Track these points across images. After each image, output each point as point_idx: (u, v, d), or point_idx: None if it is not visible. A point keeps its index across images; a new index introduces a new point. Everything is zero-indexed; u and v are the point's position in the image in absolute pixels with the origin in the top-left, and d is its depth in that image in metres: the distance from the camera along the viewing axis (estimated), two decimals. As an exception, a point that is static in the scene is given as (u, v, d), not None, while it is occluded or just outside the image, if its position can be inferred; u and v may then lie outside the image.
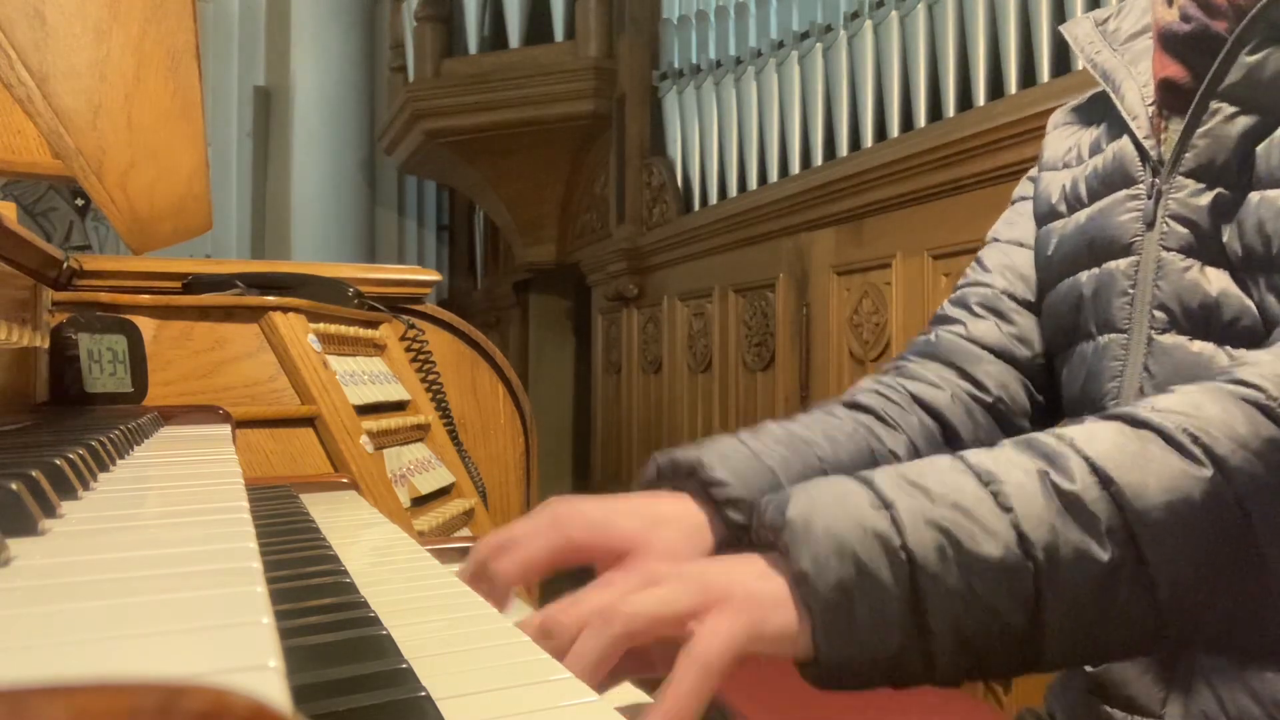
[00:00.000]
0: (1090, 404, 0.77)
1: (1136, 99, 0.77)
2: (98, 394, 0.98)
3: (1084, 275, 0.79)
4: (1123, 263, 0.76)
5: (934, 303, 2.10)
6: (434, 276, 1.63)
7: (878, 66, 2.45)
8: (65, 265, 1.08)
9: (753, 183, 2.90)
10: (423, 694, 0.32)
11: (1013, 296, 0.87)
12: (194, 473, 0.59)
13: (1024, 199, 0.92)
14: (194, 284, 1.30)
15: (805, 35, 2.71)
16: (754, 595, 0.49)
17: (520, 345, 4.62)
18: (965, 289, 0.90)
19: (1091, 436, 0.54)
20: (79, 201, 4.75)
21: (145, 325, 1.07)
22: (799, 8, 2.75)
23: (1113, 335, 0.76)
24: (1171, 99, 0.74)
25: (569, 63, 3.78)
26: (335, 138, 5.34)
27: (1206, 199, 0.69)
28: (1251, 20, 0.66)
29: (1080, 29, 0.87)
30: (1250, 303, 0.67)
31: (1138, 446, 0.53)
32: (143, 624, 0.25)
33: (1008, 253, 0.89)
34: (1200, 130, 0.70)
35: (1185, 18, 0.72)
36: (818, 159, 2.64)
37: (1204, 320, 0.69)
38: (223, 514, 0.42)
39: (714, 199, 3.06)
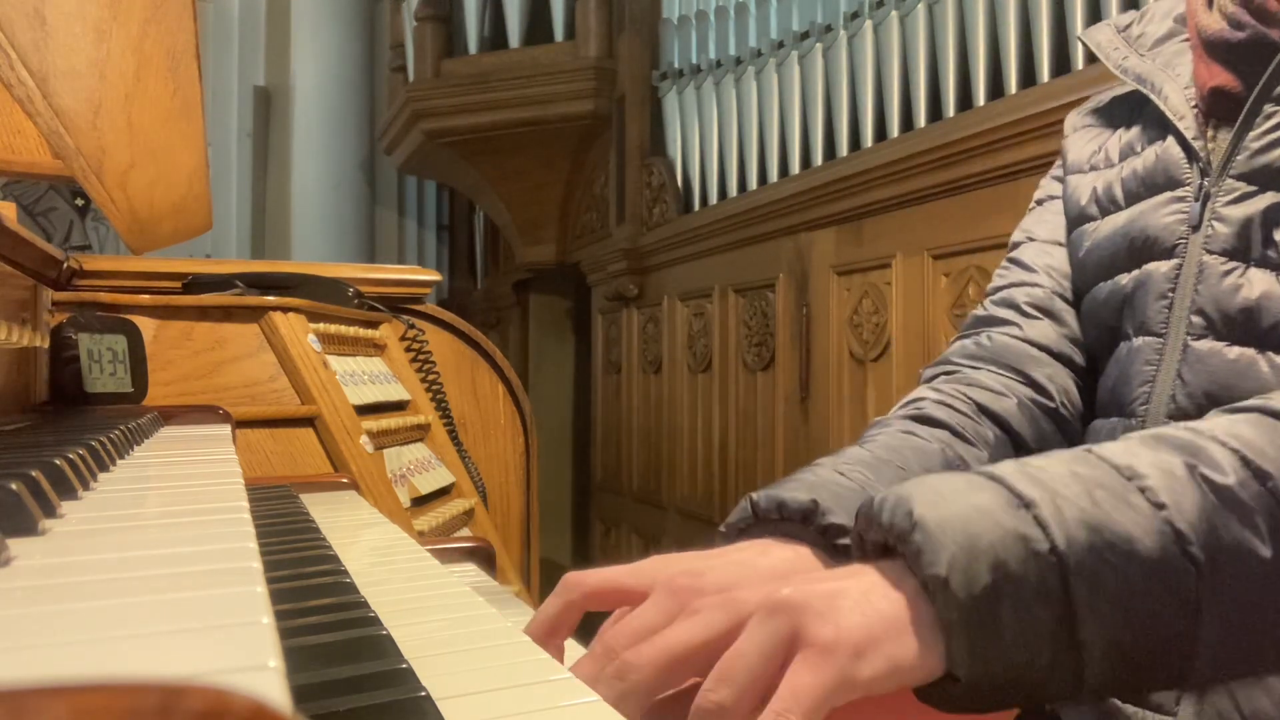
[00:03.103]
0: (1118, 407, 0.75)
1: (1181, 100, 0.75)
2: (98, 394, 0.98)
3: (1124, 278, 0.77)
4: (1164, 265, 0.74)
5: (934, 303, 2.10)
6: (434, 276, 1.63)
7: (878, 66, 2.45)
8: (65, 265, 1.08)
9: (753, 183, 2.90)
10: (423, 694, 0.32)
11: (1062, 297, 0.84)
12: (194, 473, 0.59)
13: (1053, 198, 0.89)
14: (194, 284, 1.30)
15: (805, 35, 2.71)
16: (844, 634, 0.43)
17: (520, 345, 4.62)
18: (1010, 289, 0.86)
19: (1233, 427, 0.50)
20: (79, 201, 4.75)
21: (145, 325, 1.07)
22: (799, 8, 2.74)
23: (1147, 338, 0.74)
24: (1220, 106, 0.72)
25: (569, 63, 3.78)
26: (335, 138, 5.34)
27: (1259, 203, 0.68)
28: None
29: (1102, 35, 0.85)
30: None
31: None
32: (143, 624, 0.25)
33: (1049, 252, 0.86)
34: (1253, 134, 0.69)
35: (1236, 24, 0.71)
36: (818, 159, 2.64)
37: (1244, 325, 0.67)
38: (223, 514, 0.42)
39: (714, 199, 3.06)
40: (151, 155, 0.84)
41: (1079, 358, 0.83)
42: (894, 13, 2.38)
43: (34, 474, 0.40)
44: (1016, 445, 0.77)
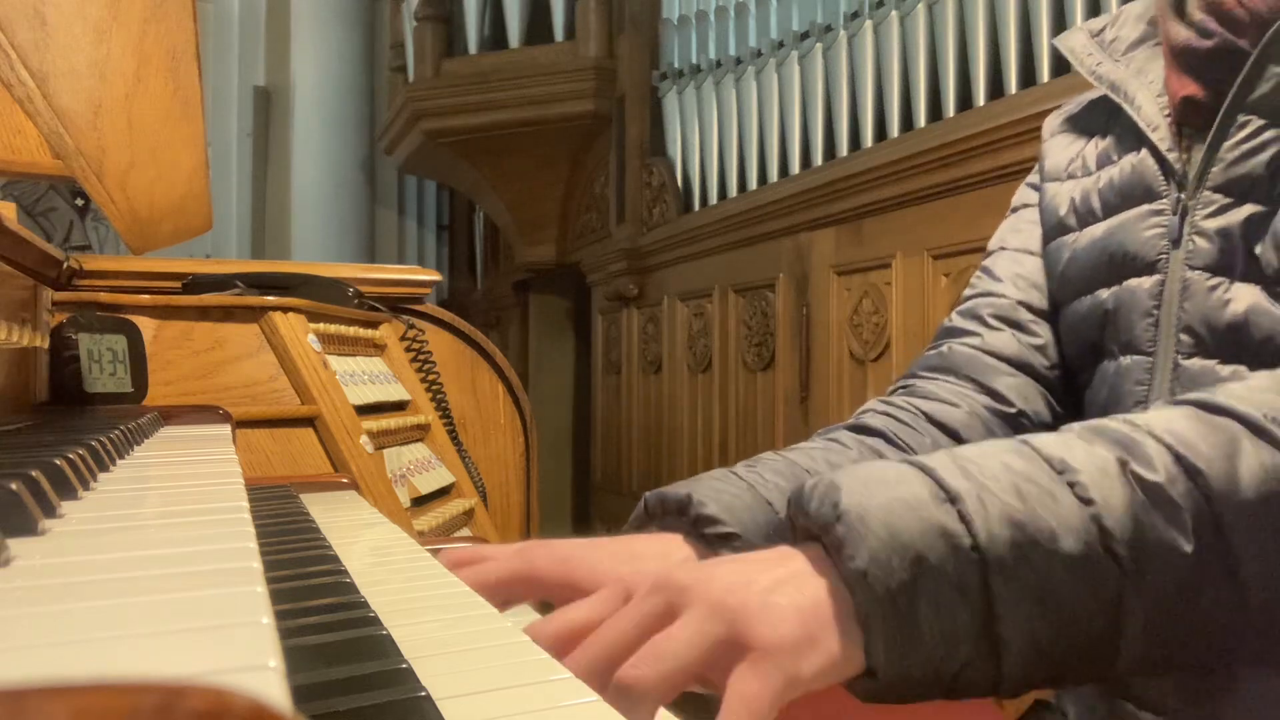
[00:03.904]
0: None
1: (1154, 110, 0.74)
2: (98, 394, 0.98)
3: (1105, 293, 0.76)
4: (1146, 281, 0.72)
5: (934, 303, 2.09)
6: (434, 276, 1.63)
7: (878, 66, 2.45)
8: (65, 265, 1.08)
9: (753, 183, 2.90)
10: (423, 694, 0.32)
11: (1028, 307, 0.83)
12: (194, 473, 0.59)
13: (1028, 206, 0.89)
14: (194, 284, 1.30)
15: (805, 35, 2.71)
16: (785, 636, 0.43)
17: (520, 345, 4.62)
18: (975, 300, 0.86)
19: (1169, 423, 0.49)
20: (79, 201, 4.75)
21: (145, 325, 1.07)
22: (799, 8, 2.74)
23: (1136, 357, 0.73)
24: (1193, 115, 0.71)
25: (569, 63, 3.78)
26: (335, 138, 5.34)
27: (1237, 215, 0.66)
28: (1278, 31, 0.64)
29: (1075, 40, 0.83)
30: None
31: (1223, 435, 0.48)
32: (143, 624, 0.25)
33: (1019, 260, 0.86)
34: (1228, 144, 0.67)
35: (1205, 33, 0.69)
36: (818, 159, 2.64)
37: (1233, 341, 0.66)
38: (223, 514, 0.42)
39: (714, 199, 3.06)
40: (151, 155, 0.84)
41: (1045, 367, 0.82)
42: (894, 13, 2.38)
43: (34, 474, 0.40)
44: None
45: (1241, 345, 0.66)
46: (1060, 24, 2.00)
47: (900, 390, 0.84)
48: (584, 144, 3.95)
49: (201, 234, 1.13)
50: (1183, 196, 0.70)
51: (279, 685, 0.20)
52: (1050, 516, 0.45)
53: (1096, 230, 0.77)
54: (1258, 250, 0.64)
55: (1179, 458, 0.47)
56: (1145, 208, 0.73)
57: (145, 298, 1.11)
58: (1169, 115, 0.73)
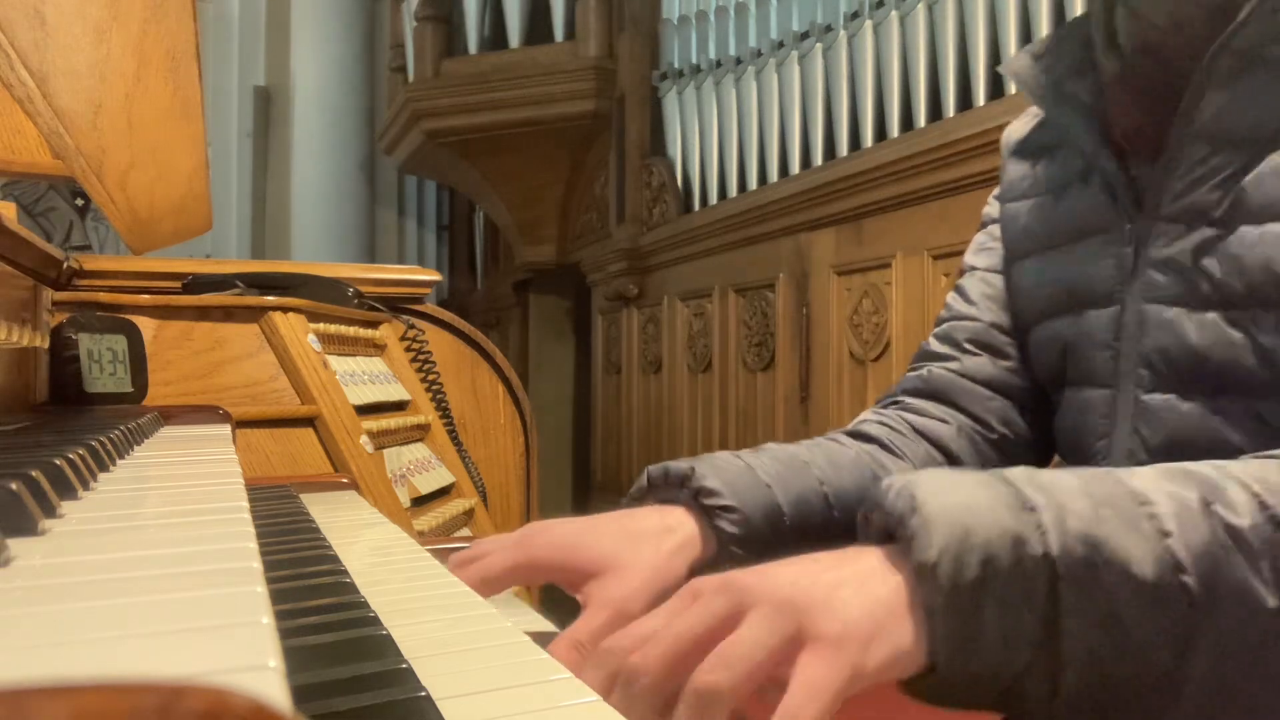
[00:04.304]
0: (1080, 457, 0.74)
1: (1097, 139, 0.72)
2: (98, 394, 0.98)
3: (1063, 322, 0.75)
4: (1103, 314, 0.71)
5: (934, 303, 2.09)
6: (434, 276, 1.63)
7: (878, 66, 2.45)
8: (65, 265, 1.08)
9: (753, 183, 2.90)
10: (423, 694, 0.32)
11: (1001, 329, 0.84)
12: (194, 473, 0.59)
13: (993, 221, 0.88)
14: (194, 284, 1.30)
15: (805, 35, 2.71)
16: (851, 626, 0.43)
17: (520, 345, 4.62)
18: (951, 323, 0.86)
19: (1260, 471, 0.49)
20: (79, 201, 4.75)
21: (145, 325, 1.07)
22: (799, 8, 2.75)
23: (1097, 391, 0.72)
24: (1138, 146, 0.70)
25: (569, 63, 3.78)
26: (335, 138, 5.34)
27: (1191, 242, 0.65)
28: (1215, 55, 0.62)
29: (1020, 65, 0.81)
30: (1245, 345, 0.61)
31: None
32: (143, 624, 0.25)
33: (989, 282, 0.86)
34: (1177, 173, 0.65)
35: (1136, 66, 0.68)
36: (818, 159, 2.64)
37: (1193, 374, 0.64)
38: (223, 514, 0.42)
39: (714, 199, 3.06)
40: (151, 155, 0.84)
41: (1022, 388, 0.82)
42: (894, 13, 2.38)
43: (34, 474, 0.40)
44: (952, 464, 0.79)
45: (1203, 376, 0.64)
46: (1060, 24, 2.00)
47: (890, 405, 0.86)
48: (584, 144, 3.95)
49: (201, 234, 1.13)
50: (1135, 226, 0.69)
51: (279, 685, 0.20)
52: (1126, 540, 0.45)
53: (1052, 260, 0.76)
54: (1213, 275, 0.63)
55: (1264, 505, 0.47)
56: (1099, 239, 0.72)
57: (145, 298, 1.11)
58: (1113, 145, 0.71)
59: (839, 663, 0.43)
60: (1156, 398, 0.67)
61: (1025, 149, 0.84)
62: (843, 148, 2.55)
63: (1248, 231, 0.61)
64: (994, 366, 0.83)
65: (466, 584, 0.57)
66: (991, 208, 0.89)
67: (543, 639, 0.48)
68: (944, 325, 0.87)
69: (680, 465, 0.68)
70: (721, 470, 0.67)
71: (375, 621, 0.39)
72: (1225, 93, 0.62)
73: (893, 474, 0.74)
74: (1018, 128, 0.87)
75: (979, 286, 0.86)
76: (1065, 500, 0.46)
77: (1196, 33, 0.64)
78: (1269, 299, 0.60)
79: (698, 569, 0.64)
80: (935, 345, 0.87)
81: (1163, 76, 0.67)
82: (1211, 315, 0.63)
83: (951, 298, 0.89)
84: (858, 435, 0.80)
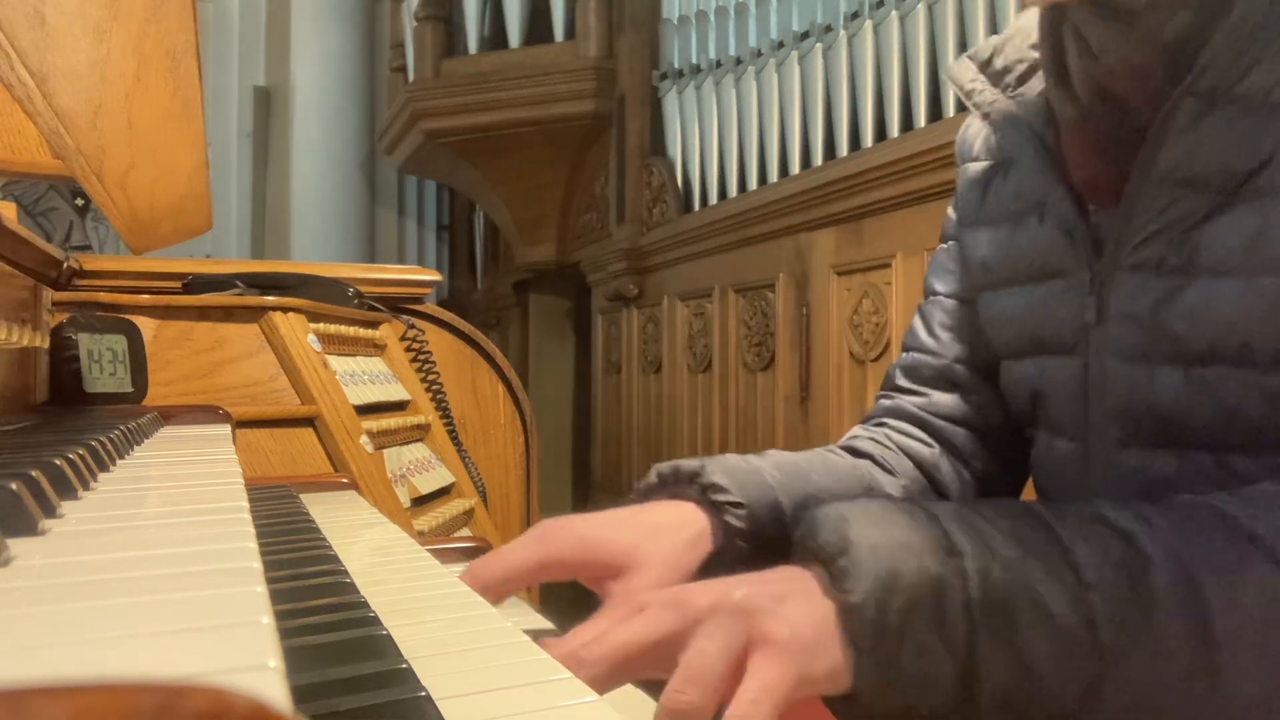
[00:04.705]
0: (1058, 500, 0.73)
1: (1051, 178, 0.69)
2: (98, 394, 0.98)
3: (1030, 366, 0.73)
4: (1069, 364, 0.69)
5: (934, 303, 2.09)
6: (434, 276, 1.63)
7: (878, 66, 2.45)
8: (65, 265, 1.08)
9: (753, 183, 2.90)
10: (423, 694, 0.32)
11: (965, 363, 0.82)
12: (194, 473, 0.59)
13: (952, 240, 0.86)
14: (194, 284, 1.30)
15: (805, 35, 2.71)
16: (799, 633, 0.46)
17: (520, 345, 4.62)
18: (915, 356, 0.85)
19: (1184, 530, 0.50)
20: (79, 201, 4.75)
21: (145, 325, 1.07)
22: (799, 8, 2.74)
23: (1068, 443, 0.70)
24: (1098, 193, 0.67)
25: (569, 63, 3.77)
26: (335, 138, 5.34)
27: (1152, 294, 0.62)
28: (1179, 99, 0.59)
29: (964, 73, 0.77)
30: (1211, 403, 0.60)
31: (1240, 557, 0.48)
32: (143, 624, 0.25)
33: (949, 311, 0.84)
34: (1137, 221, 0.62)
35: (1093, 113, 0.66)
36: (818, 159, 2.64)
37: (1160, 430, 0.63)
38: (223, 514, 0.42)
39: (714, 199, 3.06)
40: (151, 155, 0.84)
41: (991, 424, 0.82)
42: (894, 13, 2.38)
43: (34, 474, 0.40)
44: (939, 489, 0.81)
45: (1172, 433, 0.62)
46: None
47: (877, 425, 0.86)
48: (584, 144, 3.94)
49: (201, 234, 1.13)
50: (1095, 273, 0.66)
51: (279, 685, 0.20)
52: (1046, 592, 0.47)
53: (1013, 298, 0.74)
54: (1177, 328, 0.61)
55: (1182, 561, 0.48)
56: (1059, 282, 0.69)
57: (145, 298, 1.11)
58: (1068, 187, 0.68)
59: (789, 664, 0.45)
60: (1130, 455, 0.65)
61: (980, 157, 0.81)
62: (843, 148, 2.55)
63: (1207, 285, 0.59)
64: (963, 404, 0.82)
65: (489, 579, 0.60)
66: (950, 221, 0.87)
67: (543, 639, 0.48)
68: (909, 357, 0.86)
69: (690, 463, 0.70)
70: (729, 469, 0.70)
71: (375, 621, 0.39)
72: (1187, 137, 0.59)
73: (884, 486, 0.78)
74: (974, 128, 0.84)
75: (940, 316, 0.85)
76: (993, 545, 0.48)
77: (1157, 80, 0.62)
78: (1232, 358, 0.58)
79: (710, 563, 0.66)
80: (902, 379, 0.86)
81: (1122, 123, 0.64)
82: (1175, 372, 0.61)
83: (916, 324, 0.87)
84: (852, 451, 0.81)
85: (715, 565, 0.67)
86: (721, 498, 0.68)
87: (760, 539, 0.68)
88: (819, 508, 0.51)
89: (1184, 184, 0.60)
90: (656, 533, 0.65)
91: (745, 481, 0.69)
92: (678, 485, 0.71)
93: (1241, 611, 0.47)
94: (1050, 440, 0.73)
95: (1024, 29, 0.76)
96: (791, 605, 0.47)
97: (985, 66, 0.77)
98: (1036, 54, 0.73)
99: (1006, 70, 0.76)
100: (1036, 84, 0.73)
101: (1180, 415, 0.61)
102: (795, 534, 0.53)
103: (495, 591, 0.61)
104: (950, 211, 0.87)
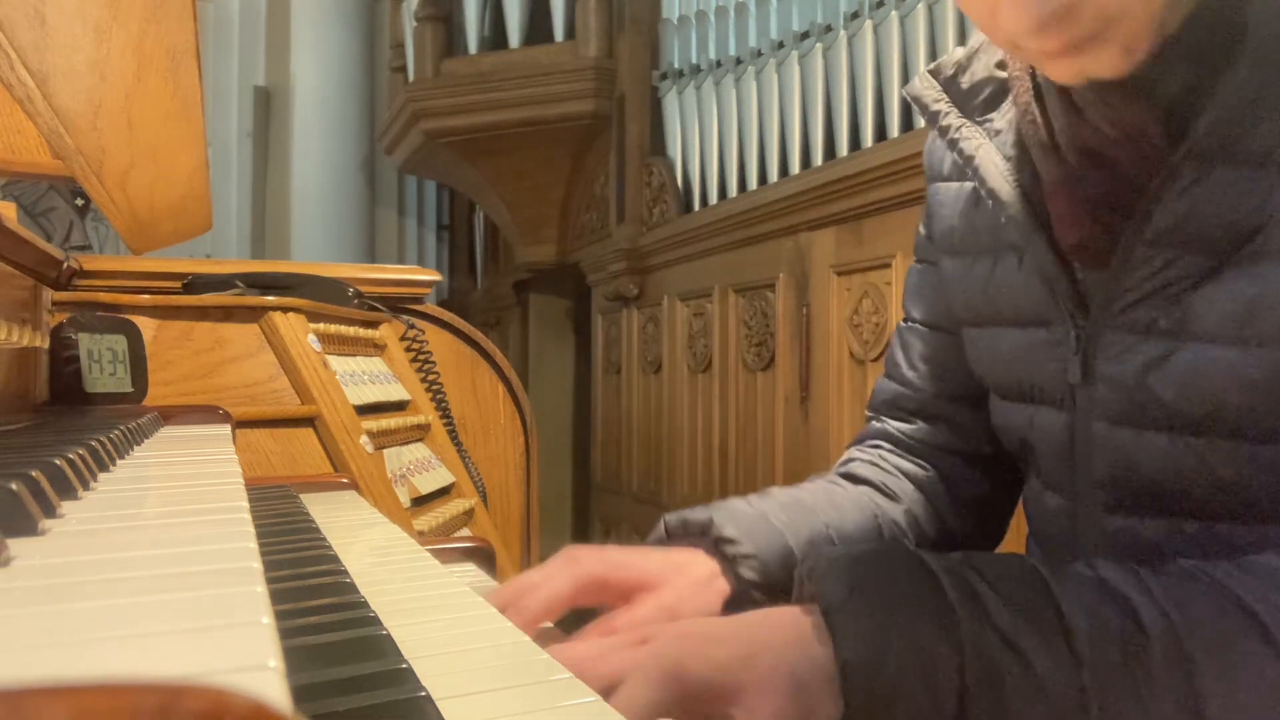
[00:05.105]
0: (1046, 552, 0.72)
1: (1029, 222, 0.64)
2: (98, 394, 0.98)
3: (1019, 413, 0.71)
4: (1056, 420, 0.66)
5: (934, 303, 2.09)
6: (434, 276, 1.63)
7: (878, 66, 2.45)
8: (65, 265, 1.08)
9: (753, 183, 2.90)
10: (423, 694, 0.32)
11: (948, 397, 0.81)
12: (194, 473, 0.59)
13: (926, 263, 0.82)
14: (194, 284, 1.30)
15: (805, 35, 2.71)
16: (802, 682, 0.48)
17: (520, 345, 4.62)
18: (898, 390, 0.83)
19: (1186, 604, 0.49)
20: (79, 201, 4.74)
21: (145, 325, 1.07)
22: (799, 8, 2.74)
23: (1059, 500, 0.68)
24: (1088, 258, 0.63)
25: (569, 63, 3.77)
26: (335, 138, 5.34)
27: (1140, 357, 0.59)
28: (1178, 163, 0.55)
29: (927, 93, 0.71)
30: (1198, 473, 0.58)
31: (1236, 635, 0.48)
32: (143, 624, 0.25)
33: (927, 340, 0.82)
34: (1130, 280, 0.59)
35: (1078, 176, 0.61)
36: (818, 159, 2.64)
37: (1147, 497, 0.61)
38: (223, 514, 0.42)
39: (714, 199, 3.06)
40: (151, 155, 0.84)
41: (980, 451, 0.80)
42: (894, 13, 2.38)
43: (34, 474, 0.40)
44: (938, 510, 0.80)
45: (1159, 501, 0.60)
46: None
47: (871, 446, 0.86)
48: (584, 144, 3.94)
49: (201, 234, 1.13)
50: (1080, 332, 0.63)
51: (279, 685, 0.20)
52: (1038, 662, 0.47)
53: (1000, 341, 0.71)
54: (1164, 394, 0.58)
55: (1179, 639, 0.48)
56: (1043, 335, 0.66)
57: (145, 298, 1.11)
58: (1052, 245, 0.64)
59: (790, 702, 0.47)
60: (1119, 521, 0.63)
61: (951, 177, 0.76)
62: (843, 148, 2.55)
63: (1199, 351, 0.56)
64: (949, 434, 0.82)
65: (534, 613, 0.60)
66: (922, 240, 0.82)
67: (543, 639, 0.49)
68: (891, 388, 0.85)
69: (698, 516, 0.70)
70: (737, 519, 0.70)
71: (375, 621, 0.39)
72: (1187, 197, 0.56)
73: (889, 513, 0.77)
74: (939, 158, 0.78)
75: (918, 347, 0.82)
76: (990, 609, 0.49)
77: (1153, 141, 0.58)
78: (1223, 428, 0.56)
79: (721, 605, 0.67)
80: (886, 409, 0.85)
81: (1112, 186, 0.60)
82: (1162, 438, 0.59)
83: (896, 351, 0.85)
84: (851, 478, 0.81)
85: (733, 608, 0.67)
86: (735, 550, 0.68)
87: (773, 588, 0.68)
88: (821, 557, 0.52)
89: (1180, 244, 0.57)
90: (680, 567, 0.66)
91: (755, 530, 0.69)
92: (687, 538, 0.71)
93: (1236, 701, 0.47)
94: (1041, 491, 0.71)
95: (990, 43, 0.70)
96: (791, 651, 0.49)
97: (950, 84, 0.71)
98: (1004, 74, 0.68)
99: (973, 92, 0.70)
100: (1007, 108, 0.68)
101: (1168, 483, 0.59)
102: (799, 572, 0.54)
103: (538, 622, 0.61)
104: (920, 228, 0.83)
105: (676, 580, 0.65)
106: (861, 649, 0.48)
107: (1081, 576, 0.51)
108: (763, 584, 0.68)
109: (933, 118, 0.71)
